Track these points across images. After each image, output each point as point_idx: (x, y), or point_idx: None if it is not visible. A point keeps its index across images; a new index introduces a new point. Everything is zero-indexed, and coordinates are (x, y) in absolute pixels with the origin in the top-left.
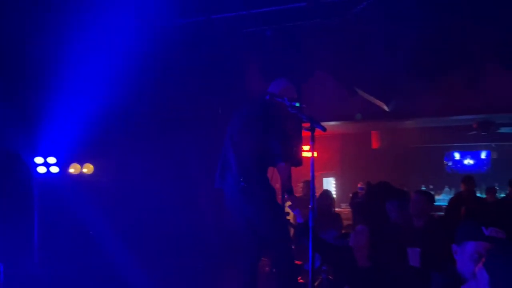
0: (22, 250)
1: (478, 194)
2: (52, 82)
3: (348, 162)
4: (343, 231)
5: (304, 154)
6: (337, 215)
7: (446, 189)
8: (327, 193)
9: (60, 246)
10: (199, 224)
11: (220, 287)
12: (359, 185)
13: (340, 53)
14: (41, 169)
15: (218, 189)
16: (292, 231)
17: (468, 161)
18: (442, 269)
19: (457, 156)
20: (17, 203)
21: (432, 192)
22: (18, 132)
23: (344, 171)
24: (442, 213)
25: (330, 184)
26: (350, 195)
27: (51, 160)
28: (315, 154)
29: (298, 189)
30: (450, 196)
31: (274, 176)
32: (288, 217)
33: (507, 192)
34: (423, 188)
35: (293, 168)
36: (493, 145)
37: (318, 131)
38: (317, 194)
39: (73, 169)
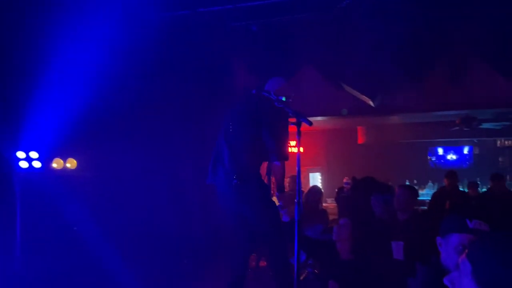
0: (3, 247)
1: (460, 189)
2: (34, 75)
3: (334, 157)
4: (329, 226)
5: (290, 149)
6: (324, 211)
7: (430, 183)
8: (315, 188)
9: (42, 242)
10: (184, 219)
11: (207, 282)
12: (344, 180)
13: (326, 48)
14: (23, 164)
15: (210, 184)
16: None
17: (451, 157)
18: (426, 261)
19: (440, 151)
20: None
21: (416, 187)
22: None
23: (330, 166)
24: (426, 207)
25: (316, 179)
26: (336, 190)
27: (33, 154)
28: (301, 149)
29: (285, 184)
30: (433, 191)
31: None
32: None
33: (489, 186)
34: (407, 183)
35: None
36: (475, 141)
37: (304, 125)
38: (304, 189)
39: (56, 164)
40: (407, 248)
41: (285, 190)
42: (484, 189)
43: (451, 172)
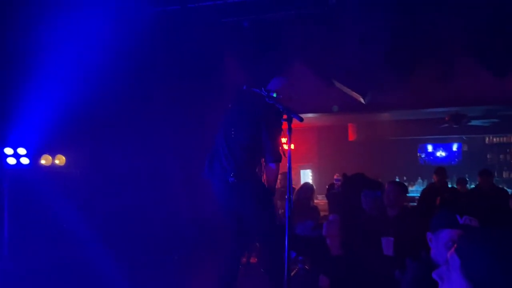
0: None
1: (449, 185)
2: (22, 70)
3: (325, 154)
4: (320, 222)
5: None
6: (316, 207)
7: (419, 180)
8: (307, 185)
9: (31, 239)
10: (174, 215)
11: (198, 279)
12: (335, 177)
13: (317, 44)
14: (11, 161)
15: (206, 180)
16: None
17: (440, 153)
18: (416, 257)
19: (430, 148)
20: None
21: (405, 183)
22: None
23: (321, 163)
24: (415, 204)
25: (307, 176)
26: (327, 186)
27: (21, 151)
28: (292, 146)
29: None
30: (423, 187)
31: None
32: None
33: (477, 183)
34: (397, 179)
35: None
36: (464, 138)
37: (295, 122)
38: (296, 186)
39: (44, 161)
40: (397, 244)
41: (277, 186)
42: (473, 186)
43: (440, 169)
